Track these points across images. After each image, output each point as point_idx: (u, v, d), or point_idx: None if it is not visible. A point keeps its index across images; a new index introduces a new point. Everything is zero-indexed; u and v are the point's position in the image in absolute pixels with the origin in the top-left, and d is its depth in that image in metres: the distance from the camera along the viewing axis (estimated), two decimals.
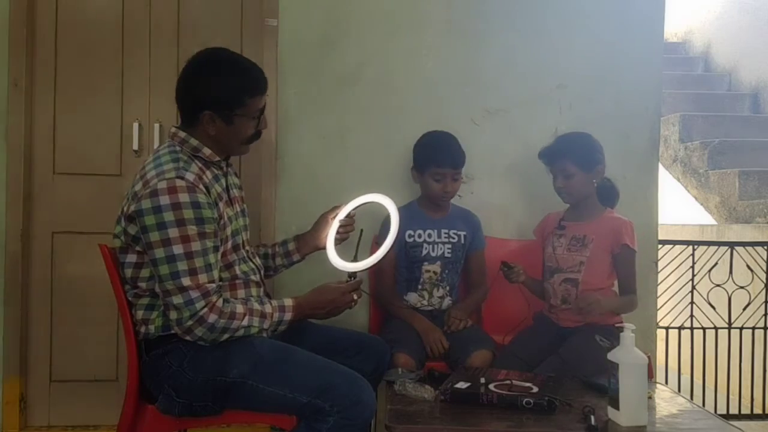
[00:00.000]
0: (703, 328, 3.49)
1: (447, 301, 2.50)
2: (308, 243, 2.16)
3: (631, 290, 2.34)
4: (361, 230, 2.11)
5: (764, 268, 3.50)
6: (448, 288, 2.51)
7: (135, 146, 2.77)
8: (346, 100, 2.75)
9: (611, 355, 1.73)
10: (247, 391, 1.75)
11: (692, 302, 3.46)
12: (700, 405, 2.79)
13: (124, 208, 1.78)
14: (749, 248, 3.54)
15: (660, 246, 3.01)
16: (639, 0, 2.86)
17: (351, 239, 2.13)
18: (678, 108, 5.52)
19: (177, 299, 1.69)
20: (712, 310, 3.50)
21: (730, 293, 3.47)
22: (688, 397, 2.56)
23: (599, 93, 2.82)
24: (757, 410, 3.47)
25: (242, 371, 1.74)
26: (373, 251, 2.16)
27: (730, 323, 3.51)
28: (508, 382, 1.87)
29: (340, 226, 2.13)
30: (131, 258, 1.80)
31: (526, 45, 2.80)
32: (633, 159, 2.82)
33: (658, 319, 3.00)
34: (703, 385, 3.45)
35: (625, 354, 1.71)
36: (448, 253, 2.50)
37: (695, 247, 3.49)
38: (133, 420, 1.84)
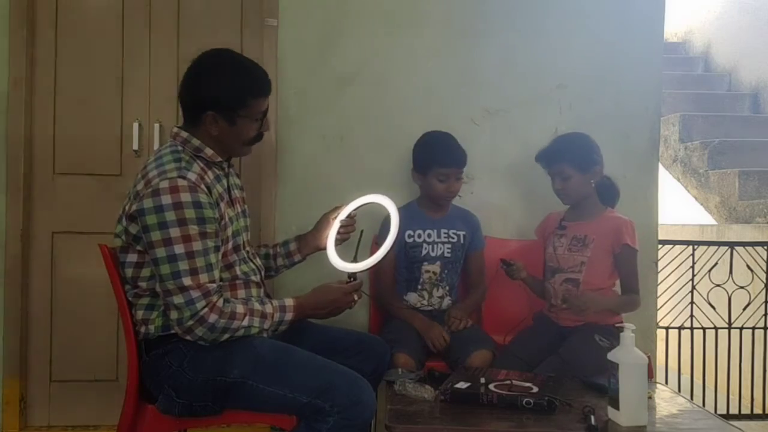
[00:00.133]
0: (703, 328, 3.49)
1: (447, 301, 2.50)
2: (309, 243, 2.17)
3: (633, 290, 2.34)
4: (362, 231, 2.11)
5: (764, 268, 3.50)
6: (447, 288, 2.51)
7: (135, 146, 2.77)
8: (346, 100, 2.75)
9: (611, 355, 1.73)
10: (247, 391, 1.75)
11: (692, 302, 3.46)
12: (700, 405, 2.79)
13: (126, 207, 1.78)
14: (749, 248, 3.54)
15: (660, 246, 3.01)
16: (639, 0, 2.86)
17: (352, 239, 2.13)
18: (678, 108, 5.52)
19: (178, 299, 1.69)
20: (712, 310, 3.50)
21: (730, 293, 3.47)
22: (688, 397, 2.56)
23: (599, 93, 2.82)
24: (757, 410, 3.47)
25: (242, 371, 1.74)
26: (373, 252, 2.16)
27: (730, 323, 3.51)
28: (508, 382, 1.87)
29: (341, 227, 2.13)
30: (132, 257, 1.80)
31: (526, 45, 2.80)
32: (633, 159, 2.82)
33: (658, 319, 3.00)
34: (703, 385, 3.45)
35: (625, 354, 1.71)
36: (448, 253, 2.50)
37: (695, 247, 3.49)
38: (133, 420, 1.84)
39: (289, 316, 1.85)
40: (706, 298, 3.47)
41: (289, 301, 1.86)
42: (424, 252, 2.48)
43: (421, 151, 2.50)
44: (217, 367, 1.75)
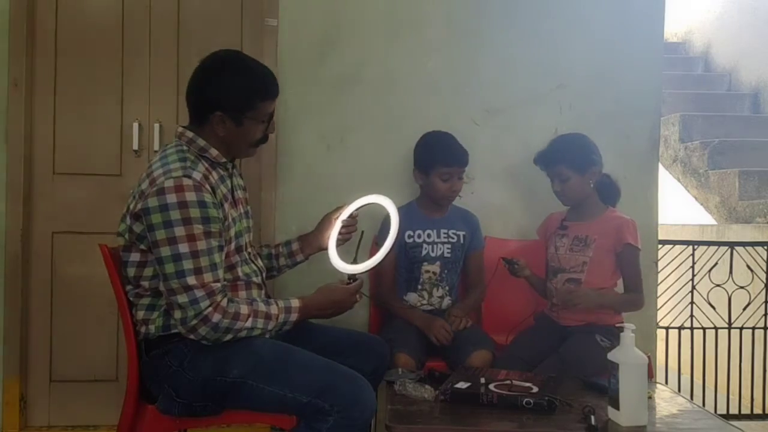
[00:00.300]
0: (703, 328, 3.49)
1: (446, 301, 2.50)
2: (312, 243, 2.17)
3: (636, 289, 2.33)
4: (362, 232, 2.12)
5: (764, 268, 3.51)
6: (447, 288, 2.51)
7: (135, 146, 2.77)
8: (346, 101, 2.75)
9: (611, 355, 1.73)
10: (247, 391, 1.75)
11: (692, 302, 3.46)
12: (700, 405, 2.79)
13: (130, 206, 1.78)
14: (749, 248, 3.54)
15: (660, 246, 3.02)
16: (639, 0, 2.86)
17: (353, 239, 2.13)
18: (678, 108, 5.52)
19: (182, 298, 1.69)
20: (712, 310, 3.50)
21: (730, 293, 3.47)
22: (688, 397, 2.56)
23: (599, 93, 2.82)
24: (757, 410, 3.47)
25: (242, 371, 1.74)
26: (372, 252, 2.17)
27: (730, 323, 3.51)
28: (508, 382, 1.87)
29: (342, 227, 2.13)
30: (135, 257, 1.80)
31: (526, 45, 2.80)
32: (633, 159, 2.82)
33: (658, 319, 3.00)
34: (703, 385, 3.45)
35: (625, 354, 1.71)
36: (448, 253, 2.50)
37: (695, 247, 3.49)
38: (133, 420, 1.84)
39: (294, 317, 1.85)
40: (706, 298, 3.47)
41: (295, 302, 1.86)
42: (423, 252, 2.48)
43: (424, 150, 2.49)
44: (217, 367, 1.75)
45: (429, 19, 2.78)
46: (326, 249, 2.11)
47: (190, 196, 1.70)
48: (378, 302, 2.56)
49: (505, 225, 2.77)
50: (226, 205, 1.82)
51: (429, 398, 1.81)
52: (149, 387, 1.84)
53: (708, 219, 4.96)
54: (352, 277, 1.97)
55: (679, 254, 3.48)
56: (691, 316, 3.47)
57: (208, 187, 1.75)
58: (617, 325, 2.13)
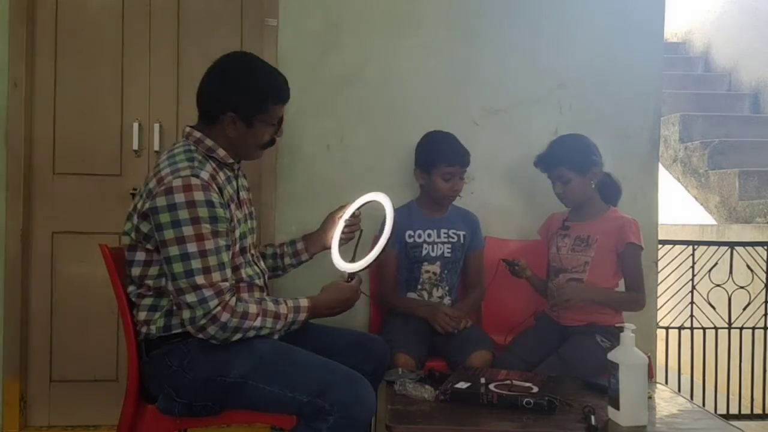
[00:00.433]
0: (703, 328, 3.49)
1: (446, 301, 2.50)
2: (316, 242, 2.17)
3: (638, 288, 2.32)
4: (360, 231, 2.12)
5: (764, 268, 3.51)
6: (447, 288, 2.51)
7: (135, 146, 2.77)
8: (346, 100, 2.75)
9: (611, 355, 1.73)
10: (247, 391, 1.75)
11: (692, 302, 3.46)
12: (700, 405, 2.79)
13: (137, 205, 1.78)
14: (749, 248, 3.54)
15: (660, 246, 3.02)
16: (639, 0, 2.86)
17: (354, 238, 2.14)
18: (678, 108, 5.52)
19: (190, 297, 1.69)
20: (712, 310, 3.50)
21: (730, 293, 3.48)
22: (688, 397, 2.56)
23: (599, 93, 2.82)
24: (757, 410, 3.47)
25: (242, 371, 1.74)
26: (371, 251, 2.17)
27: (730, 323, 3.51)
28: (508, 382, 1.87)
29: (346, 226, 2.14)
30: (140, 256, 1.80)
31: (526, 45, 2.80)
32: (633, 159, 2.82)
33: (658, 319, 3.00)
34: (703, 385, 3.45)
35: (625, 354, 1.71)
36: (448, 253, 2.50)
37: (695, 247, 3.49)
38: (133, 420, 1.84)
39: (303, 316, 1.85)
40: (706, 298, 3.48)
41: (304, 302, 1.86)
42: (424, 252, 2.48)
43: (426, 149, 2.49)
44: (218, 367, 1.75)
45: (429, 19, 2.78)
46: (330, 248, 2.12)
47: (198, 196, 1.70)
48: (380, 301, 2.56)
49: (506, 225, 2.77)
50: (232, 206, 1.83)
51: (429, 398, 1.81)
52: (149, 387, 1.83)
53: (708, 219, 4.96)
54: (352, 275, 1.98)
55: (679, 254, 3.48)
56: (691, 316, 3.47)
57: (215, 187, 1.75)
58: (617, 325, 2.13)
